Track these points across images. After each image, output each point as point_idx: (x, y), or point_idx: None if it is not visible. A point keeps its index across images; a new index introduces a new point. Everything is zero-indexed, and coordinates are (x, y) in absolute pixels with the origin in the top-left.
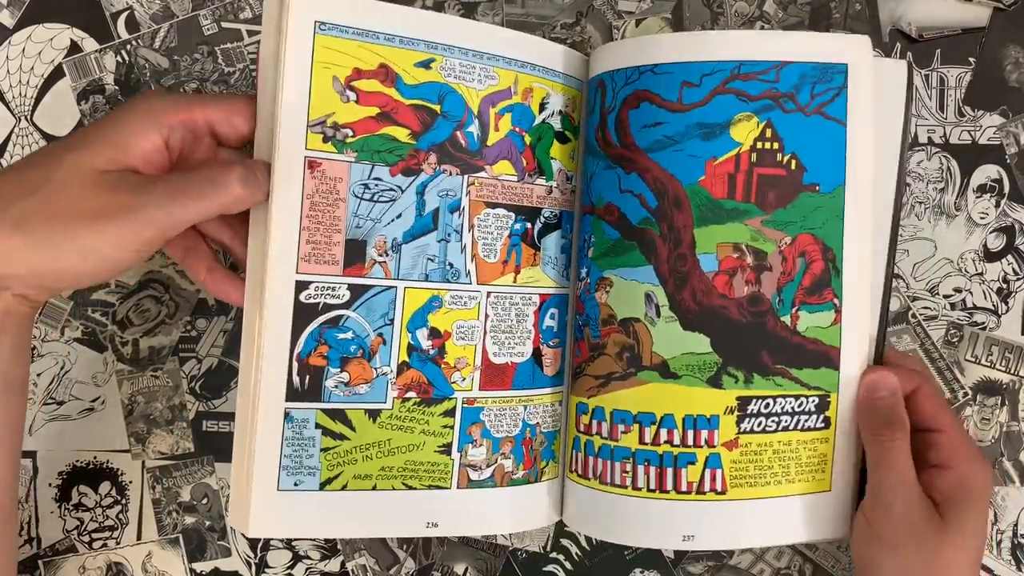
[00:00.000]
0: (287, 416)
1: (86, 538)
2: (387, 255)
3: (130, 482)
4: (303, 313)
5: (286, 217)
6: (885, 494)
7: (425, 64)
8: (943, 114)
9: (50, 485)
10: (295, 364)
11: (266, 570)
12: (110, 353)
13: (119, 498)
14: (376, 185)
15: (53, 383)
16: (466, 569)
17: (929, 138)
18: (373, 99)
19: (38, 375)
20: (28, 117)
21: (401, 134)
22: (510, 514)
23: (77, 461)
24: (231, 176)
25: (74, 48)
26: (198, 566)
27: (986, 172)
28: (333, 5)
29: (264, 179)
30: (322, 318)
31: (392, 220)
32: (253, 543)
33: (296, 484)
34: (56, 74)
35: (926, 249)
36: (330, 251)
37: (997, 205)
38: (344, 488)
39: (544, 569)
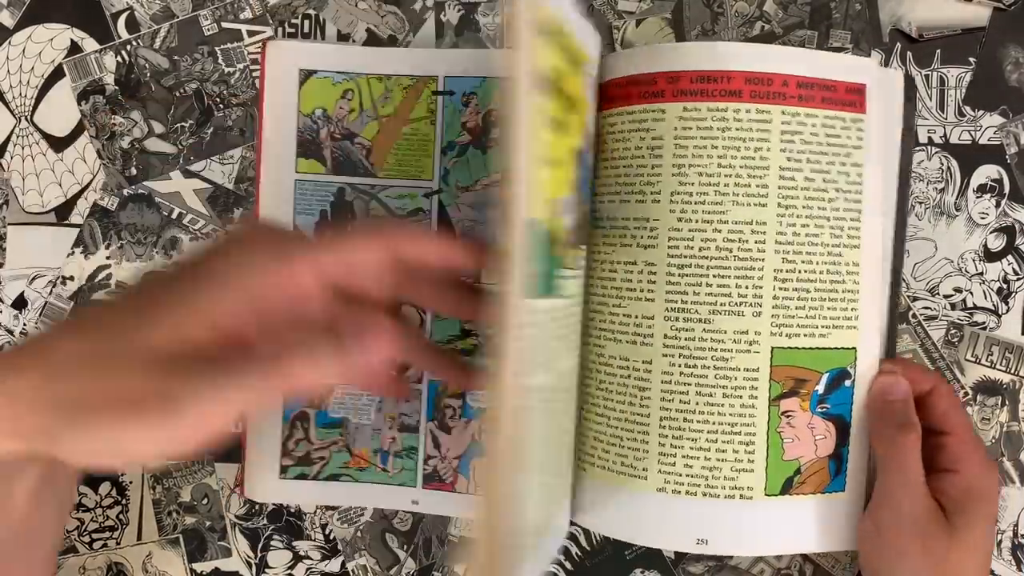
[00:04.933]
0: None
1: (86, 538)
2: None
3: (130, 482)
4: None
5: None
6: (893, 496)
7: None
8: (943, 114)
9: None
10: None
11: (266, 570)
12: None
13: (119, 498)
14: None
15: None
16: (467, 569)
17: (929, 138)
18: None
19: None
20: (28, 117)
21: None
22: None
23: None
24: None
25: (74, 48)
26: (198, 566)
27: (986, 172)
28: None
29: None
30: None
31: None
32: (253, 544)
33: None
34: (56, 74)
35: (926, 249)
36: None
37: (997, 205)
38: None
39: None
